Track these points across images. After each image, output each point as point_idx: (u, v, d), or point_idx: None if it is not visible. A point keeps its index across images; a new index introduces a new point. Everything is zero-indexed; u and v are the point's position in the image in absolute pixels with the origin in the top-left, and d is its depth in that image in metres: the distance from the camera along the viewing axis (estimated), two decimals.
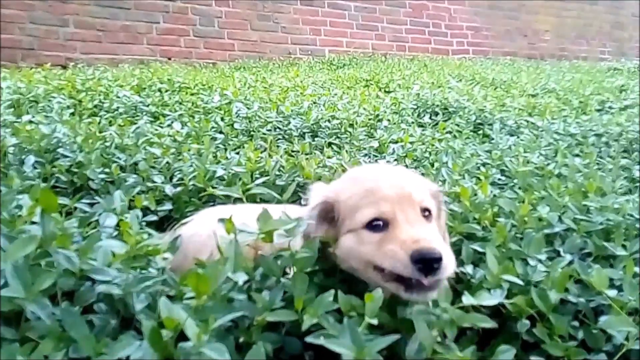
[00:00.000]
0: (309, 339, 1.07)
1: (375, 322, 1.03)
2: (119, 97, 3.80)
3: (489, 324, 1.17)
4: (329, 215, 1.37)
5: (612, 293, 1.30)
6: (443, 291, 1.22)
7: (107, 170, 2.23)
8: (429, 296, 1.22)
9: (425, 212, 1.34)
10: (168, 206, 2.08)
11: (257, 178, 2.25)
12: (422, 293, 1.21)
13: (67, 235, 1.23)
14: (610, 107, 4.91)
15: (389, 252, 1.22)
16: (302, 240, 1.35)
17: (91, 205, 1.77)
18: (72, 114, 3.27)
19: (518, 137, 3.67)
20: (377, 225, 1.29)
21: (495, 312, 1.51)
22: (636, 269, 1.44)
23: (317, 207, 1.39)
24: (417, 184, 1.39)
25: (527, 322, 1.38)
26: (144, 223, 1.78)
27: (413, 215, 1.29)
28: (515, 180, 2.56)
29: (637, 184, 2.60)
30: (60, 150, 2.37)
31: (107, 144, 2.50)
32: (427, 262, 1.17)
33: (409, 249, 1.19)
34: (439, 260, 1.18)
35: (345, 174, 1.57)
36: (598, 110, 4.76)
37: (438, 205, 1.44)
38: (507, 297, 1.44)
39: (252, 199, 2.11)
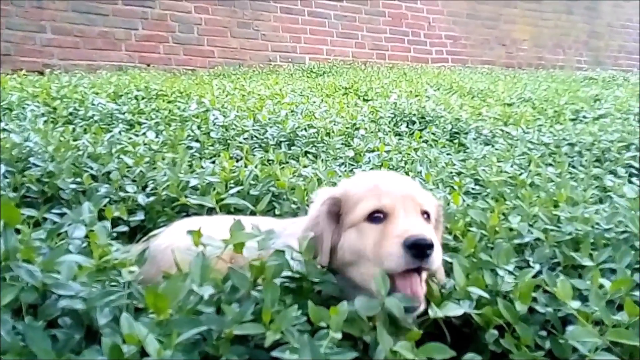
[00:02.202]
0: (275, 353, 1.06)
1: (339, 336, 1.03)
2: (94, 105, 3.76)
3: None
4: (335, 212, 1.42)
5: (577, 304, 1.31)
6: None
7: (78, 180, 2.20)
8: (421, 290, 1.28)
9: (425, 215, 1.40)
10: (140, 216, 2.06)
11: (231, 188, 2.24)
12: (417, 287, 1.27)
13: (32, 248, 1.22)
14: (584, 117, 4.98)
15: (384, 250, 1.28)
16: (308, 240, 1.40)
17: (61, 215, 1.75)
18: (46, 121, 3.23)
19: (493, 147, 3.71)
20: (377, 217, 1.35)
21: (465, 322, 1.52)
22: (603, 280, 1.46)
23: (325, 203, 1.44)
24: (420, 190, 1.47)
25: (495, 332, 1.39)
26: (114, 234, 1.76)
27: (412, 212, 1.36)
28: (488, 190, 2.58)
29: (608, 194, 2.64)
30: (31, 159, 2.34)
31: (80, 153, 2.47)
32: (419, 248, 1.24)
33: (402, 238, 1.25)
34: (430, 246, 1.24)
35: (354, 175, 1.64)
36: (572, 120, 4.83)
37: (438, 216, 1.50)
38: (477, 307, 1.45)
39: (226, 209, 2.10)
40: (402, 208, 1.35)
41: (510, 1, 11.43)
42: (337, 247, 1.39)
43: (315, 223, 1.43)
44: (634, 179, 3.00)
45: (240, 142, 3.14)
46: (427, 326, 1.39)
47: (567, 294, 1.32)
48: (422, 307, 1.28)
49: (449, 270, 1.57)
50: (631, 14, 13.11)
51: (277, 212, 2.18)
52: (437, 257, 1.28)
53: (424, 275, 1.33)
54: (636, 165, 3.31)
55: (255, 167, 2.47)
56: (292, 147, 3.19)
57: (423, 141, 3.67)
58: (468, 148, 3.66)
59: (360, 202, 1.37)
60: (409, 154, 3.21)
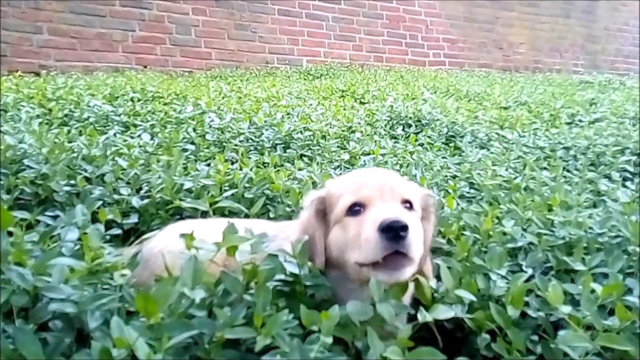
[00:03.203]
0: (266, 358, 1.07)
1: (330, 340, 1.03)
2: (90, 107, 3.75)
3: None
4: (323, 212, 1.43)
5: (568, 309, 1.31)
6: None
7: (72, 182, 2.20)
8: (403, 273, 1.27)
9: (407, 204, 1.39)
10: (134, 219, 2.06)
11: (226, 190, 2.24)
12: (396, 271, 1.26)
13: (24, 251, 1.21)
14: (580, 121, 4.99)
15: (362, 238, 1.28)
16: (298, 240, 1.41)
17: (54, 218, 1.75)
18: (41, 123, 3.22)
19: (488, 150, 3.71)
20: (357, 210, 1.35)
21: (457, 326, 1.53)
22: (594, 284, 1.46)
23: (312, 204, 1.45)
24: (403, 182, 1.46)
25: (487, 336, 1.39)
26: (108, 237, 1.76)
27: (390, 200, 1.35)
28: (482, 194, 2.58)
29: (602, 198, 2.64)
30: (25, 161, 2.33)
31: (74, 155, 2.46)
32: (394, 230, 1.23)
33: (377, 223, 1.25)
34: (404, 227, 1.23)
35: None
36: (568, 124, 4.84)
37: (426, 207, 1.48)
38: (469, 311, 1.46)
39: (220, 212, 2.10)
40: (380, 197, 1.35)
41: (507, 4, 11.45)
42: (326, 246, 1.41)
43: (307, 226, 1.45)
44: (628, 183, 3.00)
45: (235, 145, 3.14)
46: (419, 330, 1.40)
47: (559, 298, 1.32)
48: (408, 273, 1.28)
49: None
50: (628, 17, 13.15)
51: (271, 215, 2.18)
52: (415, 242, 1.26)
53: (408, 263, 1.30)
54: (631, 169, 3.32)
55: (250, 169, 2.47)
56: (288, 150, 3.19)
57: (419, 144, 3.67)
58: (464, 151, 3.66)
59: (341, 198, 1.39)
60: (405, 157, 3.22)
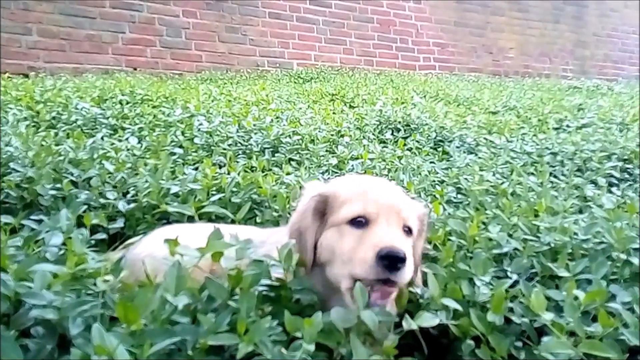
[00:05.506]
0: None
1: (312, 347, 1.03)
2: (78, 109, 3.73)
3: None
4: (322, 210, 1.44)
5: (551, 315, 1.32)
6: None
7: (58, 185, 2.18)
8: (384, 302, 1.29)
9: (407, 229, 1.41)
10: (120, 223, 2.05)
11: (213, 195, 2.24)
12: (379, 299, 1.28)
13: (6, 256, 1.21)
14: (567, 126, 5.02)
15: (358, 256, 1.29)
16: (292, 237, 1.43)
17: (39, 222, 1.73)
18: (28, 126, 3.20)
19: (476, 155, 3.73)
20: (359, 222, 1.36)
21: (443, 332, 1.53)
22: (577, 291, 1.47)
23: (313, 199, 1.45)
24: (408, 203, 1.46)
25: (472, 343, 1.40)
26: (93, 241, 1.75)
27: (394, 224, 1.37)
28: (469, 199, 2.59)
29: (588, 203, 2.66)
30: (11, 164, 2.32)
31: (61, 158, 2.45)
32: (391, 260, 1.25)
33: (378, 247, 1.26)
34: (402, 260, 1.25)
35: (346, 175, 1.65)
36: (556, 129, 4.86)
37: (421, 226, 1.51)
38: (454, 317, 1.46)
39: (207, 217, 2.10)
40: (385, 218, 1.36)
41: (497, 9, 11.52)
42: (317, 244, 1.42)
43: (302, 218, 1.46)
44: (614, 189, 3.03)
45: (224, 149, 3.13)
46: (405, 337, 1.40)
47: (541, 305, 1.32)
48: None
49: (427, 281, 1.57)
50: (616, 23, 13.27)
51: (258, 220, 2.17)
52: (407, 272, 1.29)
53: (395, 290, 1.33)
54: (617, 175, 3.35)
55: (238, 174, 2.46)
56: (276, 154, 3.18)
57: (407, 149, 3.68)
58: (451, 156, 3.67)
59: (346, 205, 1.39)
60: (393, 162, 3.22)
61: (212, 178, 2.34)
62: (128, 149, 2.85)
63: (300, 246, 1.42)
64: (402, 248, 1.27)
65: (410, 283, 1.43)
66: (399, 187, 1.60)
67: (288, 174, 2.63)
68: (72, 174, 2.33)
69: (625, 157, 3.64)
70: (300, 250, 1.41)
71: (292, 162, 3.07)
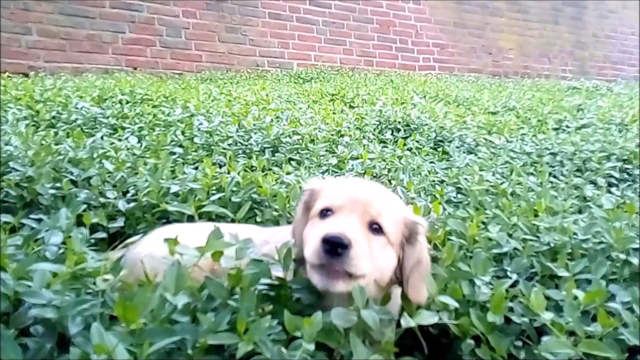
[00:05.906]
0: None
1: (311, 347, 1.03)
2: (77, 109, 3.73)
3: None
4: (310, 204, 1.47)
5: (550, 315, 1.32)
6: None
7: (58, 185, 2.18)
8: (335, 286, 1.27)
9: (374, 225, 1.38)
10: (120, 222, 2.05)
11: (213, 194, 2.24)
12: (329, 280, 1.27)
13: (5, 255, 1.20)
14: (567, 126, 5.02)
15: (310, 243, 1.30)
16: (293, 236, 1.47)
17: (38, 221, 1.73)
18: (28, 125, 3.20)
19: (476, 155, 3.73)
20: (326, 214, 1.38)
21: (443, 332, 1.53)
22: (577, 291, 1.47)
23: (304, 194, 1.51)
24: (384, 203, 1.43)
25: (472, 342, 1.40)
26: (93, 240, 1.75)
27: (354, 216, 1.35)
28: (469, 199, 2.59)
29: (588, 204, 2.66)
30: (11, 163, 2.31)
31: (61, 157, 2.45)
32: (332, 245, 1.24)
33: (323, 233, 1.26)
34: (344, 246, 1.24)
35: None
36: (555, 129, 4.86)
37: (410, 234, 1.45)
38: (455, 317, 1.46)
39: (207, 216, 2.10)
40: (348, 210, 1.36)
41: (497, 10, 11.53)
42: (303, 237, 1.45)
43: (298, 212, 1.51)
44: (613, 189, 3.03)
45: (224, 148, 3.13)
46: (406, 337, 1.40)
47: (541, 304, 1.33)
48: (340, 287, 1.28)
49: None
50: (615, 24, 13.28)
51: (258, 219, 2.17)
52: (357, 262, 1.26)
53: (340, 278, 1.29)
54: (616, 175, 3.35)
55: (238, 173, 2.46)
56: (276, 154, 3.18)
57: (407, 149, 3.68)
58: (451, 156, 3.67)
59: (319, 198, 1.43)
60: (393, 162, 3.22)
61: (212, 177, 2.34)
62: (128, 149, 2.85)
63: (295, 241, 1.45)
64: (348, 235, 1.26)
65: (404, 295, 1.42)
66: (388, 190, 1.57)
67: (288, 173, 2.63)
68: (71, 173, 2.33)
69: (625, 158, 3.64)
70: (296, 246, 1.44)
71: (292, 162, 3.07)
